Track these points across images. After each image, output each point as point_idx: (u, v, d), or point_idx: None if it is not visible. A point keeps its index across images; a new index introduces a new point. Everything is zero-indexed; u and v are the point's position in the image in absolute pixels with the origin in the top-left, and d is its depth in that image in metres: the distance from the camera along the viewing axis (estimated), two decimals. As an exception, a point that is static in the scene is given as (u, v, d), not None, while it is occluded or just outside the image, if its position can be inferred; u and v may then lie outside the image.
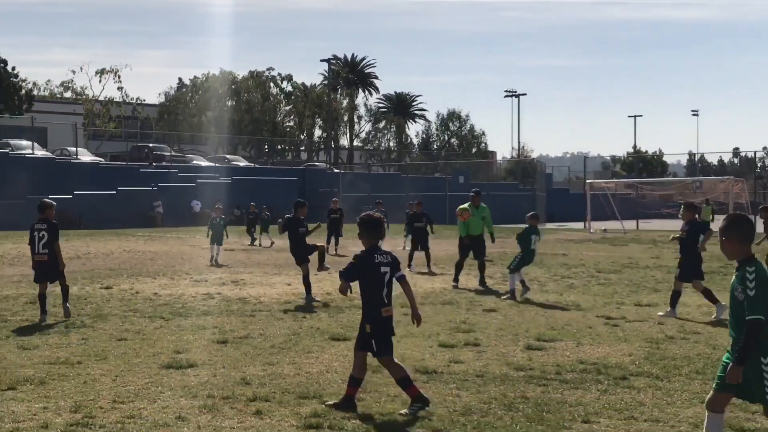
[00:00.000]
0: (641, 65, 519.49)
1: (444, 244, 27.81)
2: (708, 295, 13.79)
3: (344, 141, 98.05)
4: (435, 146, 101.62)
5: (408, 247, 29.59)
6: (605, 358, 10.06)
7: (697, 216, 14.80)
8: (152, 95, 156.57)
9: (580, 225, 50.33)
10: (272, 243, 31.77)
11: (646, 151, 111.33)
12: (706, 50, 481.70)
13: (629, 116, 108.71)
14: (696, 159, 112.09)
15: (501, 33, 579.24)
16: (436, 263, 22.96)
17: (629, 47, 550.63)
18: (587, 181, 55.75)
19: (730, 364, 5.79)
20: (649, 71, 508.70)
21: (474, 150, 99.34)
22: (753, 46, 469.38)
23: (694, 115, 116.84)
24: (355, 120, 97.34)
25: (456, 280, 18.30)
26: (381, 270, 7.73)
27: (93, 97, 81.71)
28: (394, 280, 7.85)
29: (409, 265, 22.06)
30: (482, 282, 18.16)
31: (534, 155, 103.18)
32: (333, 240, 28.21)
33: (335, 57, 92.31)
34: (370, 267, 7.73)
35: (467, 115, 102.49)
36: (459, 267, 18.54)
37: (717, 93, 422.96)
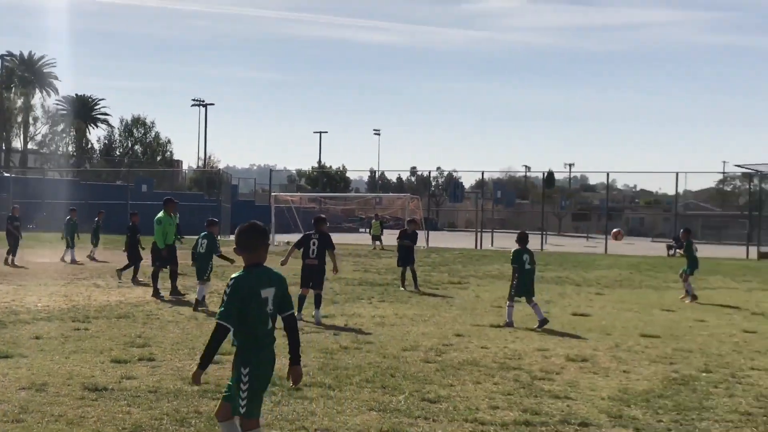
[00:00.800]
0: (328, 83, 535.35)
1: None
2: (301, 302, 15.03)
3: (17, 143, 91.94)
4: (118, 153, 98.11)
5: (70, 257, 28.51)
6: (281, 370, 10.09)
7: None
8: None
9: (264, 237, 50.72)
10: None
11: (331, 167, 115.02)
12: (389, 73, 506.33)
13: (315, 132, 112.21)
14: (377, 176, 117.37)
15: (190, 41, 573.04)
16: (113, 275, 22.14)
17: (317, 64, 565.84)
18: (272, 193, 56.41)
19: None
20: (336, 89, 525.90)
21: (159, 158, 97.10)
22: (431, 73, 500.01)
23: (376, 134, 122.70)
24: (31, 122, 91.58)
25: (156, 292, 18.06)
26: None
27: None
28: None
29: (134, 278, 21.50)
30: (175, 291, 18.21)
31: (221, 166, 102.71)
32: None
33: (10, 53, 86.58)
34: None
35: (153, 122, 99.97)
36: (155, 277, 18.41)
37: (397, 114, 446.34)
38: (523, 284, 15.01)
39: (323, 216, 16.48)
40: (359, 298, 18.84)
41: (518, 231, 15.94)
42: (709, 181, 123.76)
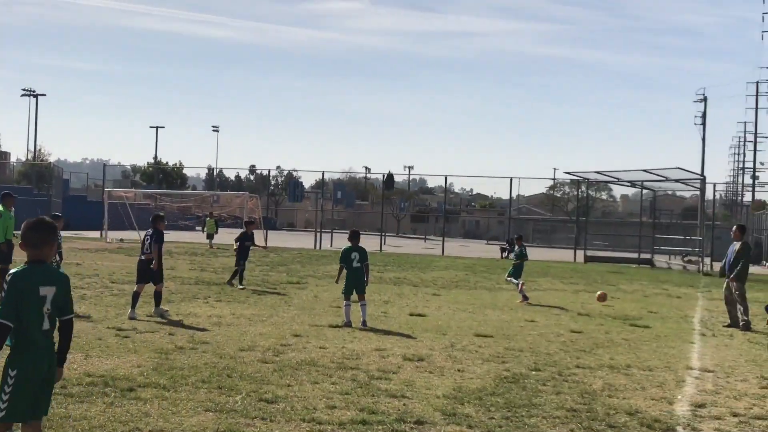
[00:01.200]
0: (166, 77, 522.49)
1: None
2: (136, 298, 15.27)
3: None
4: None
5: None
6: (114, 370, 9.86)
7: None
8: None
9: (97, 234, 49.25)
10: None
11: (167, 163, 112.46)
12: (229, 69, 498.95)
13: (151, 126, 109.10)
14: (215, 173, 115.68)
15: (17, 27, 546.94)
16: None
17: (154, 58, 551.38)
18: (106, 189, 54.76)
19: None
20: (174, 84, 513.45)
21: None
22: (272, 71, 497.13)
23: (214, 130, 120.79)
24: None
25: None
26: None
27: None
28: None
29: None
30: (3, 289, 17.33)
31: (51, 159, 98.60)
32: None
33: None
34: None
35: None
36: None
37: (237, 111, 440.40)
38: (352, 282, 15.14)
39: (161, 214, 16.86)
40: (195, 297, 18.53)
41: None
42: (541, 187, 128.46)
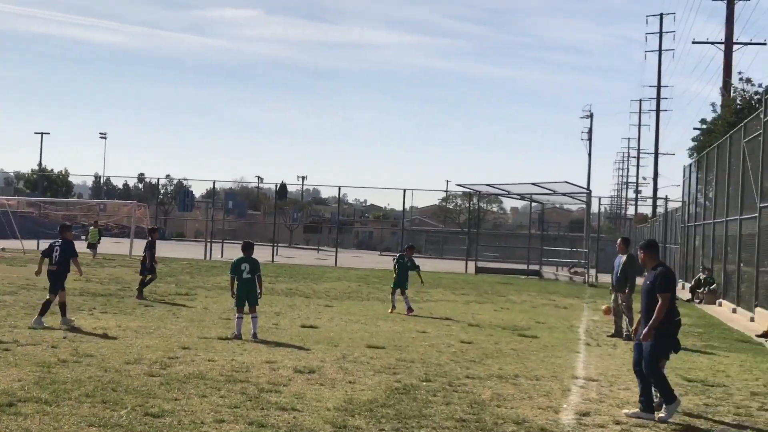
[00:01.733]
0: (51, 81, 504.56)
1: None
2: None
3: None
4: None
5: None
6: (-9, 385, 9.49)
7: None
8: None
9: (-23, 243, 47.46)
10: None
11: (52, 170, 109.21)
12: (117, 75, 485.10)
13: (36, 132, 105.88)
14: (102, 181, 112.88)
15: None
16: None
17: (39, 61, 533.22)
18: (-12, 196, 52.85)
19: None
20: (59, 89, 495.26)
21: None
22: (162, 77, 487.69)
23: (102, 137, 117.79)
24: None
25: None
26: None
27: None
28: None
29: None
30: None
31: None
32: None
33: None
34: None
35: None
36: None
37: (125, 118, 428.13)
38: (243, 293, 14.94)
39: (68, 224, 16.83)
40: (80, 308, 18.00)
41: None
42: (434, 199, 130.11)
